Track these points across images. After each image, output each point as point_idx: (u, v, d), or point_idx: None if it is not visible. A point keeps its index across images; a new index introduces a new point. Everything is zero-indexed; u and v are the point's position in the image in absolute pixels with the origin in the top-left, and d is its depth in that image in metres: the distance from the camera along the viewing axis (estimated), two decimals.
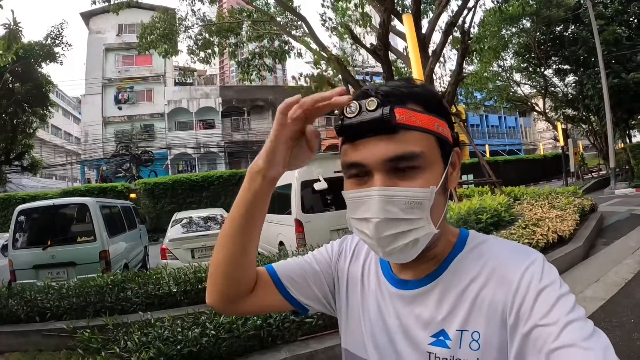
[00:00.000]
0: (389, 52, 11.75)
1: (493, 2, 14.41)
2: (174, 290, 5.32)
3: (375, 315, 0.89)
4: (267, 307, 1.00)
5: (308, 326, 4.10)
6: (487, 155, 30.55)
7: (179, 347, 3.53)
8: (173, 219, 9.83)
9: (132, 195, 19.33)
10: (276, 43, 15.29)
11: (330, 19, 10.65)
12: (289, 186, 7.73)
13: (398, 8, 11.97)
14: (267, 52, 14.62)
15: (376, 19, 12.95)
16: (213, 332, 3.70)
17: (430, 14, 12.10)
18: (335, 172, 7.53)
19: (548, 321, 0.65)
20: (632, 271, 6.16)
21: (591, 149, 33.25)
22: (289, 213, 7.71)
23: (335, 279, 1.00)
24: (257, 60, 14.95)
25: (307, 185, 7.40)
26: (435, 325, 0.79)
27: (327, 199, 7.73)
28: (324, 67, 12.21)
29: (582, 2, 23.36)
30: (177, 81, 38.89)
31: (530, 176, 30.83)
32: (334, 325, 3.92)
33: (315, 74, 12.16)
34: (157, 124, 35.15)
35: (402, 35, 12.51)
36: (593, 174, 28.68)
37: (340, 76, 12.18)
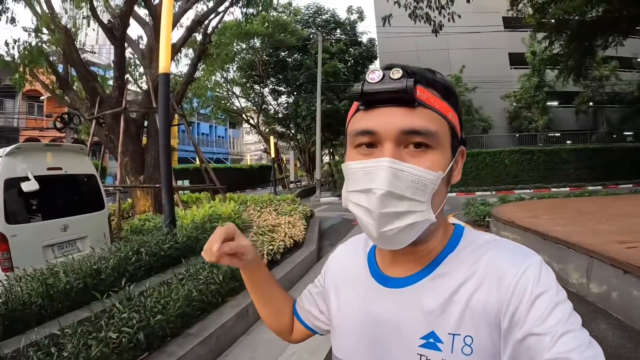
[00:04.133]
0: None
1: (241, 13, 14.47)
2: None
3: (363, 317, 0.85)
4: (305, 335, 1.13)
5: None
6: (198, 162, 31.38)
7: None
8: None
9: None
10: None
11: None
12: None
13: None
14: None
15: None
16: None
17: (177, 8, 11.31)
18: (48, 168, 5.92)
19: (543, 330, 0.63)
20: None
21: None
22: None
23: (327, 291, 1.01)
24: None
25: (13, 185, 5.50)
26: (425, 326, 0.75)
27: (35, 204, 5.90)
28: (45, 37, 9.96)
29: (312, 35, 27.33)
30: None
31: (238, 184, 32.21)
32: None
33: (32, 44, 9.75)
34: None
35: (140, 21, 11.55)
36: (297, 183, 32.49)
37: (62, 52, 10.14)
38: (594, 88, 26.42)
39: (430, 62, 27.85)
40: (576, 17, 14.37)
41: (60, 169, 6.07)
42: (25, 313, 3.70)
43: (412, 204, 0.69)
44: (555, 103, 28.73)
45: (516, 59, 28.40)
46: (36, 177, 5.54)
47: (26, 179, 5.52)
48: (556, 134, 27.97)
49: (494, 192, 19.58)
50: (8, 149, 5.75)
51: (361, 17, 31.19)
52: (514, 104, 27.83)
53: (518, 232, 7.28)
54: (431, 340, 0.74)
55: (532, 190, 20.79)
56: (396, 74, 0.69)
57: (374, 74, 0.71)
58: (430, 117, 0.71)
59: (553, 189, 21.03)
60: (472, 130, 27.01)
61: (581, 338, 0.62)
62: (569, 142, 26.95)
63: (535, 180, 22.97)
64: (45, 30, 9.68)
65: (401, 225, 0.69)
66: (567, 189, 20.49)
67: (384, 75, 0.70)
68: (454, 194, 21.53)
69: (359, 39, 31.50)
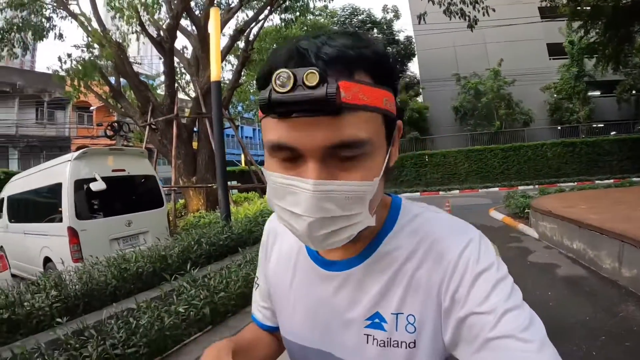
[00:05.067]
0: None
1: (280, 19, 14.94)
2: None
3: (307, 300, 0.83)
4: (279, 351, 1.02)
5: None
6: (242, 164, 31.92)
7: None
8: None
9: None
10: (38, 17, 12.58)
11: None
12: (57, 186, 6.39)
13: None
14: (27, 26, 12.10)
15: (162, 13, 12.14)
16: None
17: None
18: (113, 170, 6.60)
19: (485, 309, 0.62)
20: None
21: None
22: (58, 220, 6.33)
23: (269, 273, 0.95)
24: (14, 34, 12.29)
25: (81, 185, 6.16)
26: (369, 308, 0.74)
27: (102, 202, 6.57)
28: (96, 52, 10.74)
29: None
30: None
31: None
32: None
33: (85, 59, 10.56)
34: None
35: (185, 33, 12.24)
36: None
37: (114, 65, 10.91)
38: (635, 76, 25.43)
39: (468, 57, 27.73)
40: (611, 4, 14.03)
41: (123, 170, 6.73)
42: (101, 293, 4.30)
43: (349, 218, 0.63)
44: (597, 93, 27.83)
45: (554, 49, 27.64)
46: (102, 178, 6.18)
47: (93, 180, 6.17)
48: (599, 125, 27.11)
49: (536, 186, 19.26)
50: (76, 153, 6.48)
51: (397, 16, 31.35)
52: (555, 95, 27.08)
53: (555, 221, 7.38)
54: (376, 320, 0.73)
55: (575, 183, 20.40)
56: (311, 78, 0.55)
57: (281, 77, 0.56)
58: (360, 120, 0.60)
59: (597, 181, 20.58)
60: (513, 124, 26.63)
61: (523, 315, 0.62)
62: (613, 132, 26.07)
63: (578, 173, 22.54)
64: (95, 45, 10.42)
65: (341, 238, 0.65)
66: (611, 180, 19.96)
67: (295, 80, 0.55)
68: (496, 188, 21.47)
69: (397, 38, 31.65)
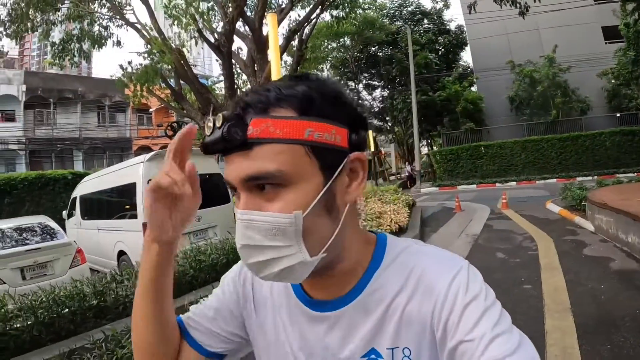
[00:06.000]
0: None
1: (331, 16, 15.22)
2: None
3: (296, 341, 0.80)
4: None
5: None
6: None
7: None
8: None
9: None
10: (95, 27, 13.42)
11: (175, 6, 9.99)
12: (131, 186, 7.03)
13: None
14: (86, 36, 12.91)
15: (216, 18, 12.72)
16: None
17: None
18: None
19: (473, 336, 0.63)
20: (465, 250, 7.62)
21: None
22: (132, 217, 6.98)
23: (243, 306, 0.89)
24: (74, 44, 13.18)
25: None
26: (364, 345, 0.73)
27: None
28: (155, 58, 11.41)
29: (401, 28, 27.35)
30: None
31: None
32: None
33: (146, 65, 11.27)
34: None
35: (240, 35, 12.64)
36: (397, 176, 32.90)
37: (174, 70, 11.56)
38: None
39: (521, 44, 26.97)
40: None
41: None
42: (180, 282, 4.74)
43: (277, 249, 0.65)
44: None
45: (610, 33, 26.14)
46: None
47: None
48: None
49: (594, 177, 18.60)
50: (148, 155, 7.11)
51: (446, 5, 30.89)
52: (612, 81, 25.75)
53: (611, 214, 7.33)
54: (372, 356, 0.73)
55: (634, 174, 19.66)
56: (218, 120, 0.63)
57: (208, 123, 0.65)
58: (268, 152, 0.63)
59: None
60: (570, 113, 25.70)
61: (512, 339, 0.63)
62: None
63: (638, 163, 21.57)
64: (155, 52, 11.05)
65: (274, 270, 0.66)
66: None
67: (214, 124, 0.64)
68: (554, 180, 20.94)
69: (447, 27, 31.24)
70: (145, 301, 0.81)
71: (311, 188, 0.65)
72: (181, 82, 12.49)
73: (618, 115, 25.50)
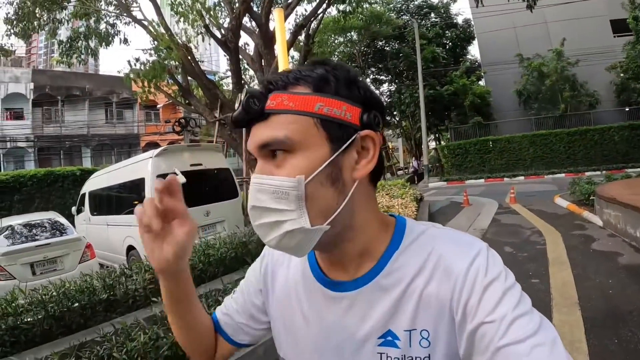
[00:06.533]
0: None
1: (338, 10, 15.17)
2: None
3: (316, 322, 0.83)
4: (230, 353, 1.03)
5: None
6: None
7: None
8: None
9: None
10: (102, 25, 13.47)
11: (182, 3, 10.00)
12: (140, 181, 7.08)
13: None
14: (93, 33, 13.01)
15: (223, 14, 12.73)
16: None
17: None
18: (191, 165, 7.18)
19: (494, 317, 0.64)
20: None
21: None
22: None
23: (264, 294, 0.96)
24: (81, 42, 13.23)
25: (163, 179, 6.85)
26: (381, 327, 0.75)
27: (183, 193, 7.21)
28: (163, 55, 11.43)
29: (408, 22, 27.26)
30: None
31: None
32: None
33: (153, 62, 11.28)
34: None
35: (247, 31, 12.65)
36: (405, 170, 32.96)
37: (182, 66, 11.57)
38: None
39: (529, 38, 26.74)
40: None
41: (200, 164, 7.31)
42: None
43: (280, 213, 0.68)
44: None
45: (619, 26, 25.82)
46: (181, 172, 6.77)
47: (173, 174, 6.79)
48: None
49: (603, 172, 18.44)
50: (157, 151, 7.15)
51: None
52: (621, 75, 25.38)
53: (619, 208, 7.30)
54: (389, 338, 0.74)
55: None
56: (243, 97, 0.71)
57: (238, 99, 0.75)
58: (282, 122, 0.69)
59: None
60: (579, 107, 25.45)
61: (533, 320, 0.63)
62: None
63: None
64: (162, 48, 11.07)
65: (277, 234, 0.70)
66: None
67: (241, 101, 0.72)
68: (563, 174, 20.86)
69: (455, 21, 31.09)
70: (172, 316, 0.93)
71: (316, 157, 0.69)
72: (188, 78, 12.51)
73: (627, 109, 25.22)
